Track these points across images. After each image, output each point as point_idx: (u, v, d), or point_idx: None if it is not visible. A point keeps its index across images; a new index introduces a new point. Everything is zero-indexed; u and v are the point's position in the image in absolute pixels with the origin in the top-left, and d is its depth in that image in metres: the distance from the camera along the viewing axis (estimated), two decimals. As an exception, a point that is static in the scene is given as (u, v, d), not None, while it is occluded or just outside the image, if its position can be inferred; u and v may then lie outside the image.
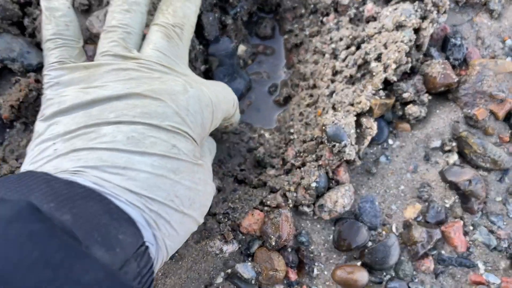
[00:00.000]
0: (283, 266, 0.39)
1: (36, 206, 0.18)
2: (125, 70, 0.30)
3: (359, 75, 0.43)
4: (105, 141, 0.27)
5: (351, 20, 0.47)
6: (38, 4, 0.40)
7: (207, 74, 0.49)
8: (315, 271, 0.41)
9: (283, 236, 0.38)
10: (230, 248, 0.39)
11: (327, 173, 0.41)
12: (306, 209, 0.40)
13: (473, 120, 0.44)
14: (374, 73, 0.42)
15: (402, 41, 0.40)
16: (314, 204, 0.41)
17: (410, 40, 0.41)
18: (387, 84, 0.43)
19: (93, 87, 0.29)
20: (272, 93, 0.53)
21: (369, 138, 0.41)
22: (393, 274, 0.42)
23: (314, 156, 0.42)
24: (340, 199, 0.39)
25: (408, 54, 0.42)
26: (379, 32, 0.43)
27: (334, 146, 0.39)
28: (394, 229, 0.42)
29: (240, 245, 0.40)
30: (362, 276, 0.40)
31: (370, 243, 0.42)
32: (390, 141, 0.45)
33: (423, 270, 0.42)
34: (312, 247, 0.42)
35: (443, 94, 0.45)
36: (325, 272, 0.41)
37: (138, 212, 0.26)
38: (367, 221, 0.42)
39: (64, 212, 0.21)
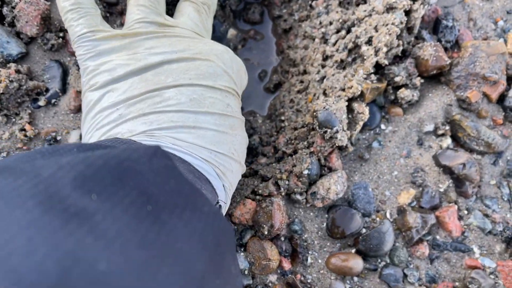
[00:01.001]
0: (276, 255, 0.39)
1: (163, 150, 0.21)
2: (166, 36, 0.32)
3: (350, 59, 0.42)
4: (170, 104, 0.29)
5: (340, 4, 0.46)
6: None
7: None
8: (309, 260, 0.40)
9: (275, 225, 0.37)
10: (222, 238, 0.38)
11: (319, 160, 0.40)
12: (298, 197, 0.40)
13: (466, 103, 0.43)
14: (365, 57, 0.41)
15: (393, 24, 0.39)
16: (306, 191, 0.40)
17: (401, 22, 0.40)
18: (378, 68, 0.43)
19: (140, 53, 0.31)
20: (262, 79, 0.52)
21: (361, 123, 0.40)
22: (388, 260, 0.41)
23: (305, 143, 0.41)
24: (333, 186, 0.39)
25: (399, 37, 0.41)
26: (370, 15, 0.42)
27: (325, 132, 0.38)
28: (388, 215, 0.42)
29: (232, 235, 0.39)
30: (357, 263, 0.39)
31: (364, 230, 0.41)
32: (383, 126, 0.44)
33: (418, 256, 0.41)
34: (305, 236, 0.41)
35: (435, 77, 0.45)
36: (319, 261, 0.41)
37: (211, 167, 0.29)
38: (360, 207, 0.41)
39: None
